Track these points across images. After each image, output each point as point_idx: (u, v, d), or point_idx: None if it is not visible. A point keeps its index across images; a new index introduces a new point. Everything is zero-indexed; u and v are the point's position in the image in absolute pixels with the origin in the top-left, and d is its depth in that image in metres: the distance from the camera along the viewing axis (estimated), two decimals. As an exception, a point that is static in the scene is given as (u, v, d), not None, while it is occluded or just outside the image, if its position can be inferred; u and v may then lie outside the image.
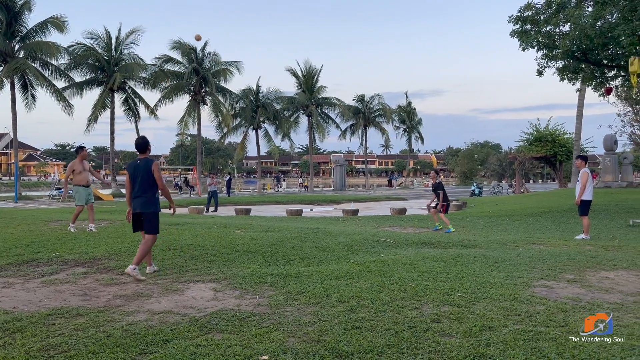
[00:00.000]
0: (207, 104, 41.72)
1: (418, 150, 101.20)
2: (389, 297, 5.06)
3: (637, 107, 41.57)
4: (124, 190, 38.21)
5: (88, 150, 11.08)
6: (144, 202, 6.13)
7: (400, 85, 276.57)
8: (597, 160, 39.34)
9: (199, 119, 41.13)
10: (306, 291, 5.27)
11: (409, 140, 66.08)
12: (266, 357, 3.44)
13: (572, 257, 7.55)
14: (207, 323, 4.23)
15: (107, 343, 3.76)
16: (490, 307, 4.75)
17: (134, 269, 5.86)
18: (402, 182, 66.82)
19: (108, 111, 36.74)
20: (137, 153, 6.32)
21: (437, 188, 13.18)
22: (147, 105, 38.05)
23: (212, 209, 22.03)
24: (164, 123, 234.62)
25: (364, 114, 55.51)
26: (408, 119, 63.94)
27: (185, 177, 42.78)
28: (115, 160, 49.64)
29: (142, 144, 6.23)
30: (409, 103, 64.47)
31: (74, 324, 4.26)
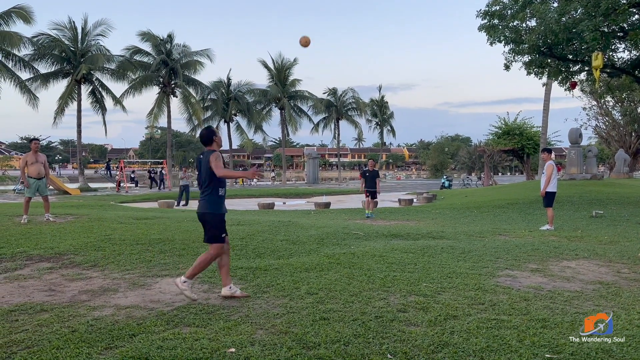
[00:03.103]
0: (176, 96, 41.17)
1: (390, 143, 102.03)
2: (357, 288, 5.12)
3: (601, 101, 42.81)
4: (92, 184, 37.62)
5: (54, 144, 11.01)
6: (200, 202, 4.99)
7: (372, 79, 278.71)
8: (564, 153, 40.37)
9: (169, 111, 40.59)
10: (275, 284, 5.29)
11: (381, 133, 66.68)
12: (233, 350, 3.45)
13: (536, 247, 7.77)
14: (174, 317, 4.21)
15: (72, 338, 3.71)
16: (455, 296, 4.86)
17: (184, 281, 4.77)
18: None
19: (75, 103, 35.85)
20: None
21: (377, 175, 14.65)
22: (114, 97, 37.26)
23: (182, 202, 21.79)
24: (133, 116, 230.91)
25: (336, 108, 55.59)
26: (380, 112, 64.38)
27: (157, 171, 41.98)
28: (83, 154, 48.52)
29: (204, 135, 5.10)
30: (382, 97, 64.92)
31: (38, 319, 4.18)
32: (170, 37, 40.32)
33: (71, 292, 5.11)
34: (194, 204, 21.38)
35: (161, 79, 40.06)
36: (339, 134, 58.21)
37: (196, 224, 10.20)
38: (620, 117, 43.53)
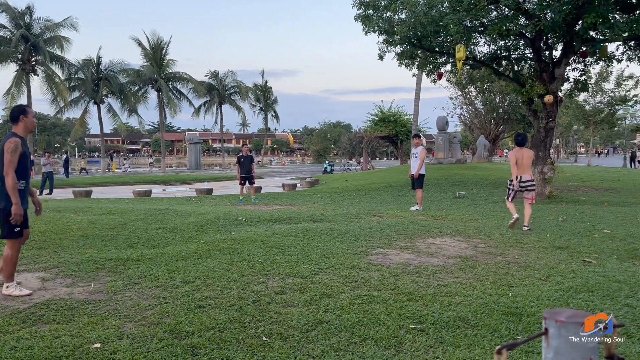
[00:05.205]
0: (38, 75, 37.37)
1: (275, 129, 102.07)
2: (236, 274, 5.07)
3: (465, 91, 46.57)
4: None
5: None
6: None
7: (255, 64, 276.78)
8: (433, 139, 43.51)
9: (29, 92, 36.68)
10: (149, 274, 5.05)
11: (265, 119, 66.39)
12: (98, 345, 3.24)
13: (406, 226, 8.29)
14: (31, 315, 3.84)
15: None
16: (331, 276, 5.02)
17: (7, 287, 4.39)
18: (259, 161, 67.10)
19: None
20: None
21: (252, 160, 15.03)
22: (-38, 75, 32.87)
23: (46, 191, 19.98)
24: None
25: (218, 91, 54.30)
26: (264, 97, 64.01)
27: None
28: None
29: (12, 111, 4.50)
30: (266, 82, 64.54)
31: None
32: (29, 9, 36.36)
33: None
34: (59, 193, 19.71)
35: (20, 55, 36.08)
36: (222, 119, 57.03)
37: (59, 214, 9.42)
38: (481, 107, 47.75)
